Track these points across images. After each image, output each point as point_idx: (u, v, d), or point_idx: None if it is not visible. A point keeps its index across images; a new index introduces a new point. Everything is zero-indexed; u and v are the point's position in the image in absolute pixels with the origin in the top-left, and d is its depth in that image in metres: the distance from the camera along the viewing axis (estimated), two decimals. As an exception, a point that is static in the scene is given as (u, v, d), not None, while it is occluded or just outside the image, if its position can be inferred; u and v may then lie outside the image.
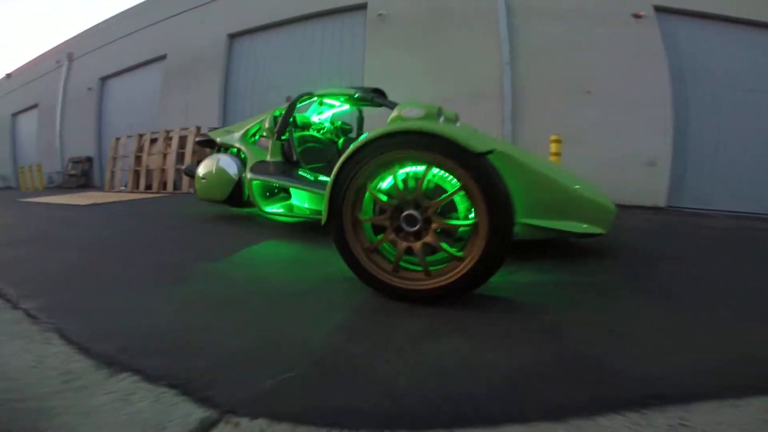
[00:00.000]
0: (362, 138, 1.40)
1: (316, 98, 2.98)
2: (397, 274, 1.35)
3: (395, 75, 6.03)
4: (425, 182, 1.31)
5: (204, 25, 8.46)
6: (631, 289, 1.58)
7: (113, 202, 5.27)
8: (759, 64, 4.69)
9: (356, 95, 2.71)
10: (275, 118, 2.88)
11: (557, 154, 4.04)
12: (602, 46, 4.69)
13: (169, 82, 9.15)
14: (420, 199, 1.31)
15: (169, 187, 7.03)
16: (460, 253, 1.28)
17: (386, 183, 1.46)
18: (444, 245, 1.29)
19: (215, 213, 3.75)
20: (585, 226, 1.79)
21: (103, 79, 11.06)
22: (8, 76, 15.13)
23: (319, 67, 7.02)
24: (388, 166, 1.38)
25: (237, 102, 8.11)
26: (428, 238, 1.31)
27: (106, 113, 11.06)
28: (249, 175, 2.70)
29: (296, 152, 2.73)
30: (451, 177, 1.38)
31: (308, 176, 2.63)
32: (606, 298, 1.47)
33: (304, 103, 3.01)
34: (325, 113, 3.52)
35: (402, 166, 1.39)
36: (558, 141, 4.04)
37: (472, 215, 1.29)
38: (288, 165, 2.72)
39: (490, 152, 1.26)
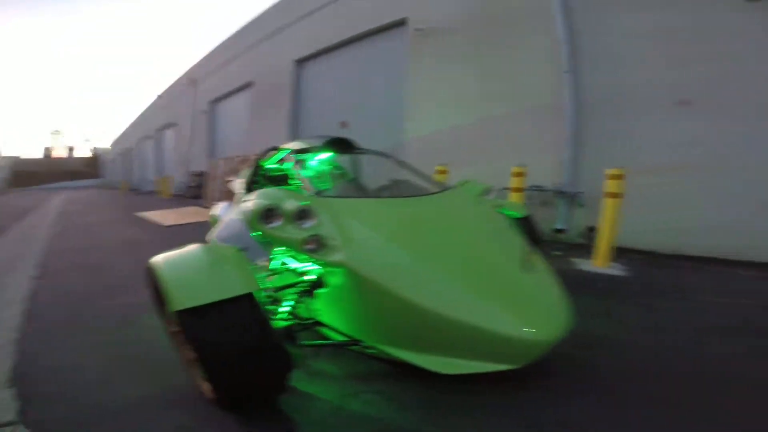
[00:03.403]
0: None
1: (280, 152, 2.65)
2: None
3: (440, 90, 5.56)
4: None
5: (277, 52, 9.09)
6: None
7: (191, 224, 6.17)
8: None
9: (321, 146, 2.51)
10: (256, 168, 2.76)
11: (616, 195, 3.16)
12: (697, 38, 3.45)
13: (254, 108, 10.12)
14: None
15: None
16: None
17: None
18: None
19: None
20: (468, 364, 1.32)
21: (212, 103, 12.89)
22: (159, 96, 19.18)
23: (371, 87, 6.91)
24: None
25: (307, 126, 8.45)
26: None
27: (218, 133, 12.88)
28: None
29: None
30: None
31: None
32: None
33: (276, 158, 2.69)
34: (313, 160, 2.95)
35: None
36: (618, 177, 3.15)
37: None
38: None
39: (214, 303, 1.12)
